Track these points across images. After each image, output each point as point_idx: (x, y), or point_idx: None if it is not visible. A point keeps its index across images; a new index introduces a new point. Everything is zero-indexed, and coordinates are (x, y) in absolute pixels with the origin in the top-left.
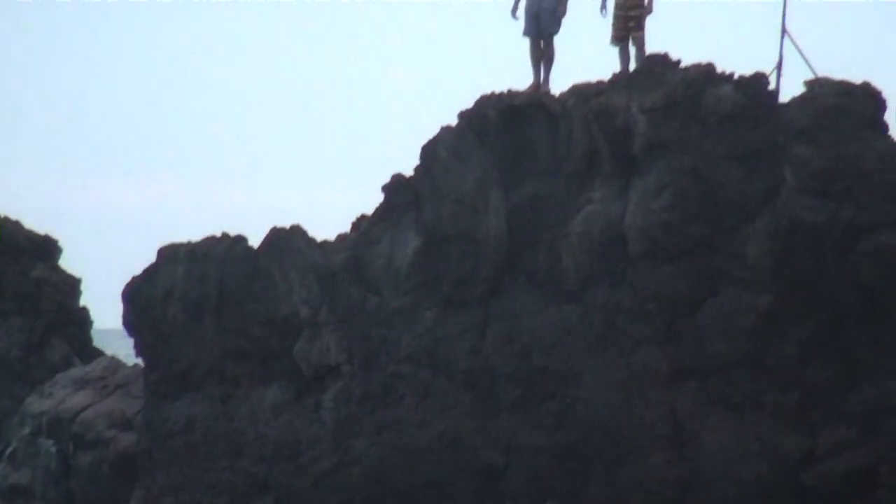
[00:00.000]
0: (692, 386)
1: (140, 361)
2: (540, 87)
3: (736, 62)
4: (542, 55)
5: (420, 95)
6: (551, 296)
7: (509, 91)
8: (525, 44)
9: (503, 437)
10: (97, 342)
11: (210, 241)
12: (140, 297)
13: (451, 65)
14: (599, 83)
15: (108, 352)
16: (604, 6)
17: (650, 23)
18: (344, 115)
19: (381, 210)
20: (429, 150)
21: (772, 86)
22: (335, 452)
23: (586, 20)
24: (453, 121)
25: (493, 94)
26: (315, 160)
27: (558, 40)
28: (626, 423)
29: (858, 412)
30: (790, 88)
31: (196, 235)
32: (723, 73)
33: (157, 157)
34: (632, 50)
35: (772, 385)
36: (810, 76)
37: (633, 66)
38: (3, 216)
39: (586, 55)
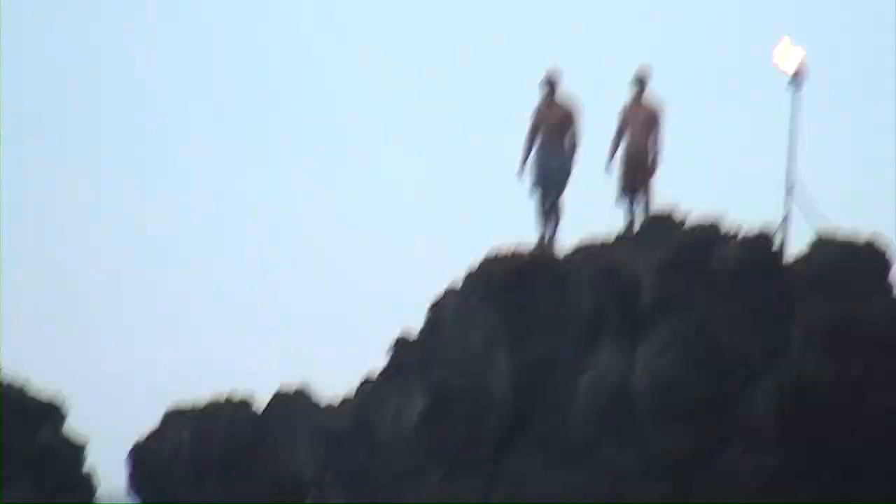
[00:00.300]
0: None
1: None
2: (546, 243)
3: (744, 214)
4: (550, 212)
5: (428, 250)
6: (558, 458)
7: (515, 250)
8: (532, 201)
9: None
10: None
11: (215, 404)
12: (145, 459)
13: (458, 220)
14: (605, 241)
15: None
16: (610, 162)
17: (657, 179)
18: (349, 271)
19: (386, 370)
20: (435, 311)
21: (778, 240)
22: None
23: (593, 176)
24: (460, 275)
25: (498, 255)
26: (321, 317)
27: (566, 196)
28: None
29: None
30: (797, 244)
31: (203, 393)
32: (729, 229)
33: (162, 315)
34: (638, 207)
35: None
36: (817, 231)
37: (639, 223)
38: (8, 378)
39: (593, 211)
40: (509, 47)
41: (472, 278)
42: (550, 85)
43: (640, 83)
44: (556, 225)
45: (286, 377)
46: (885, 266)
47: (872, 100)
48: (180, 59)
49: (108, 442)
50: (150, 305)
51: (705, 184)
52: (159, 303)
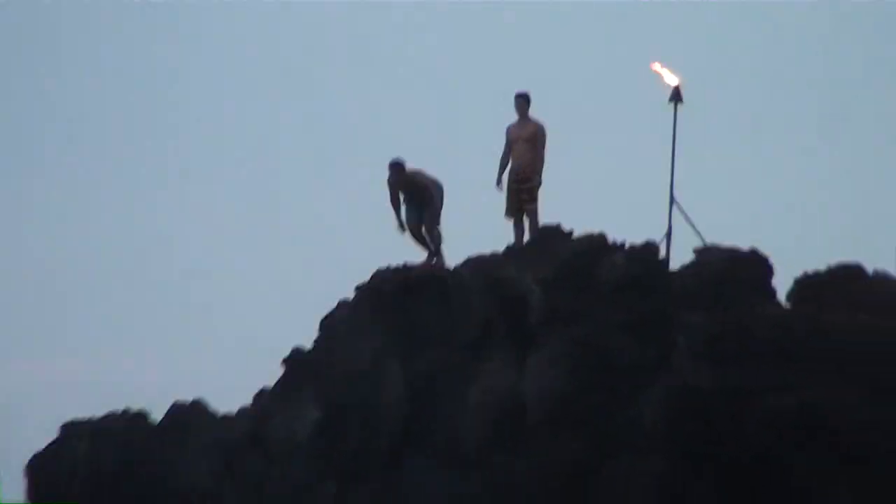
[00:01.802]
0: None
1: None
2: (434, 260)
3: (627, 230)
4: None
5: (317, 267)
6: (452, 465)
7: (405, 265)
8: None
9: None
10: None
11: (111, 418)
12: (43, 472)
13: (347, 236)
14: (494, 255)
15: None
16: (499, 181)
17: (542, 195)
18: (242, 288)
19: (281, 383)
20: (326, 324)
21: (662, 254)
22: None
23: (481, 194)
24: (350, 293)
25: (388, 268)
26: (215, 332)
27: (452, 215)
28: None
29: None
30: (680, 255)
31: (99, 409)
32: (614, 242)
33: (58, 333)
34: (525, 222)
35: None
36: (699, 243)
37: (527, 237)
38: None
39: (481, 228)
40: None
41: (363, 292)
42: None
43: (523, 104)
44: (439, 243)
45: (181, 393)
46: (766, 275)
47: (746, 121)
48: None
49: (5, 456)
50: (41, 320)
51: (590, 200)
52: (50, 318)
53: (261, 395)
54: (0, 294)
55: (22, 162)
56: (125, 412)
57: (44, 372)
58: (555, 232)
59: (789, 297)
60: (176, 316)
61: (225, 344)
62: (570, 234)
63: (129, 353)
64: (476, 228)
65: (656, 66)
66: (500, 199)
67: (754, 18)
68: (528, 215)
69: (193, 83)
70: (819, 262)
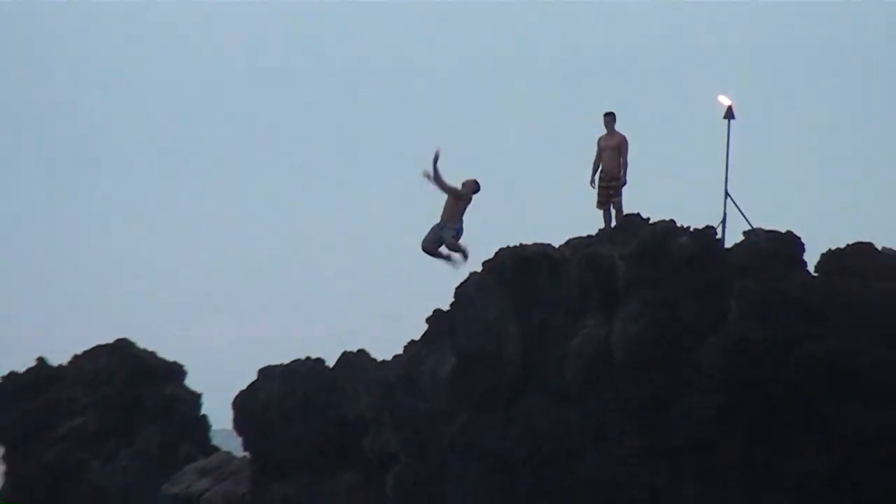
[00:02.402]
0: (664, 464)
1: (247, 454)
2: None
3: (692, 218)
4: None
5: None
6: (557, 400)
7: (520, 244)
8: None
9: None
10: (214, 441)
11: (297, 364)
12: (246, 406)
13: (474, 221)
14: (589, 237)
15: (223, 448)
16: (592, 180)
17: (625, 191)
18: (393, 264)
19: (425, 336)
20: (461, 291)
21: (718, 235)
22: None
23: (581, 191)
24: (479, 267)
25: (507, 247)
26: (374, 297)
27: (560, 201)
28: (623, 492)
29: (791, 481)
30: (733, 237)
31: (287, 358)
32: (681, 227)
33: (257, 301)
34: (612, 212)
35: (724, 461)
36: (747, 227)
37: (613, 223)
38: (143, 348)
39: (579, 218)
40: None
41: (488, 266)
42: (611, 121)
43: (610, 121)
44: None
45: (350, 345)
46: (799, 251)
47: (789, 133)
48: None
49: (218, 394)
50: (244, 291)
51: (663, 194)
52: (250, 288)
53: (410, 345)
54: (211, 270)
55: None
56: (307, 359)
57: (247, 330)
58: (635, 219)
59: (817, 268)
60: (347, 284)
61: (382, 306)
62: (648, 220)
63: (310, 315)
64: (575, 218)
65: (721, 98)
66: (593, 195)
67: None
68: (614, 206)
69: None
70: (840, 241)
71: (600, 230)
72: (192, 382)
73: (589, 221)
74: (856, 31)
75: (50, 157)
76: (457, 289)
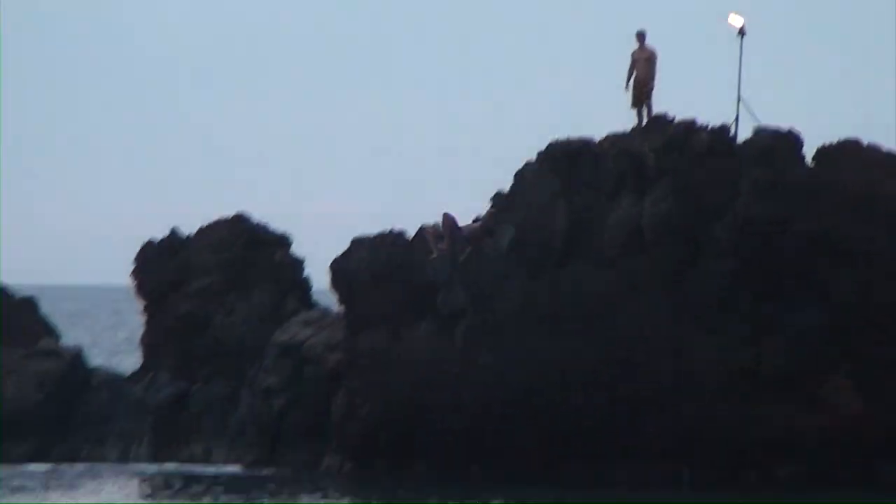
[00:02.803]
0: (686, 317)
1: (341, 309)
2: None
3: (711, 117)
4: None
5: (514, 139)
6: (598, 265)
7: (568, 138)
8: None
9: (569, 351)
10: (315, 298)
11: (382, 235)
12: (342, 268)
13: (529, 117)
14: (624, 132)
15: (322, 304)
16: (627, 84)
17: (654, 95)
18: (468, 152)
19: (489, 213)
20: (518, 176)
21: (732, 132)
22: (463, 364)
23: (618, 94)
24: (534, 157)
25: (558, 140)
26: (448, 181)
27: (601, 103)
28: (652, 342)
29: (789, 330)
30: (744, 133)
31: (375, 230)
32: (702, 124)
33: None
34: (644, 111)
35: (736, 316)
36: (756, 125)
37: (645, 121)
38: (256, 222)
39: (617, 116)
40: None
41: (542, 155)
42: (642, 37)
43: (642, 37)
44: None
45: (427, 219)
46: (799, 145)
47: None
48: None
49: (317, 260)
50: (341, 174)
51: (686, 97)
52: (347, 173)
53: (475, 222)
54: (315, 154)
55: None
56: (391, 231)
57: (342, 208)
58: (663, 118)
59: (813, 159)
60: (428, 170)
61: (454, 188)
62: (673, 119)
63: (395, 194)
64: (614, 117)
65: (732, 17)
66: (628, 97)
67: None
68: (645, 107)
69: None
70: (832, 137)
71: (633, 127)
72: (297, 250)
73: (625, 120)
74: None
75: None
76: (515, 174)
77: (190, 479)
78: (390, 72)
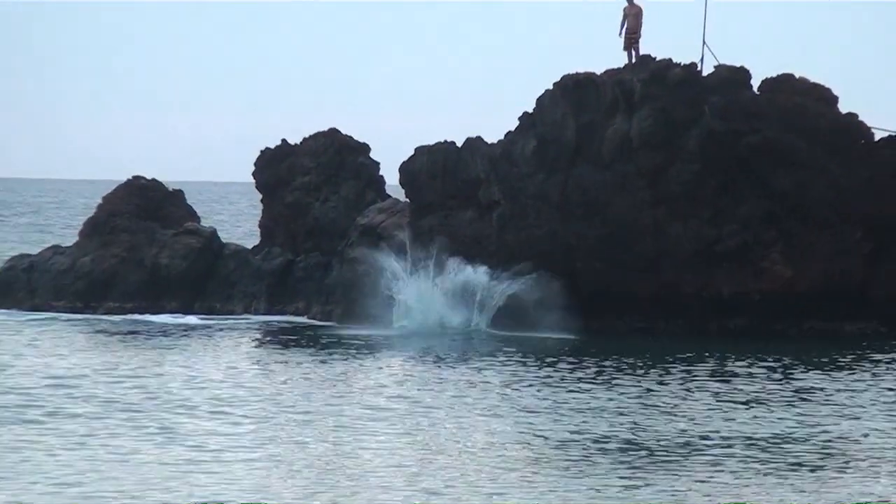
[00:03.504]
0: (663, 206)
1: (408, 200)
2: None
3: (682, 57)
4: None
5: (538, 70)
6: (599, 168)
7: (575, 72)
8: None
9: (576, 230)
10: (388, 191)
11: (438, 144)
12: (407, 169)
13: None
14: (618, 68)
15: (393, 195)
16: (620, 32)
17: (641, 41)
18: (501, 83)
19: (517, 128)
20: (539, 100)
21: (699, 67)
22: (497, 241)
23: (613, 40)
24: (550, 86)
25: (567, 74)
26: (487, 105)
27: (598, 47)
28: (637, 224)
29: (741, 217)
30: (707, 69)
31: (433, 141)
32: (675, 62)
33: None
34: (633, 53)
35: (699, 207)
36: (716, 63)
37: (634, 60)
38: (345, 134)
39: (612, 56)
40: None
41: (557, 84)
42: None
43: None
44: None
45: (473, 133)
46: (748, 78)
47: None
48: None
49: (390, 162)
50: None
51: (666, 42)
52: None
53: (508, 134)
54: (391, 78)
55: None
56: (445, 141)
57: (406, 123)
58: (648, 59)
59: (759, 88)
60: (473, 95)
61: (492, 110)
62: (655, 59)
63: (449, 113)
64: (611, 56)
65: None
66: (621, 42)
67: None
68: (634, 50)
69: None
70: (774, 72)
71: (626, 64)
72: (374, 155)
73: (619, 59)
74: None
75: None
76: (537, 99)
77: (294, 330)
78: (441, 27)
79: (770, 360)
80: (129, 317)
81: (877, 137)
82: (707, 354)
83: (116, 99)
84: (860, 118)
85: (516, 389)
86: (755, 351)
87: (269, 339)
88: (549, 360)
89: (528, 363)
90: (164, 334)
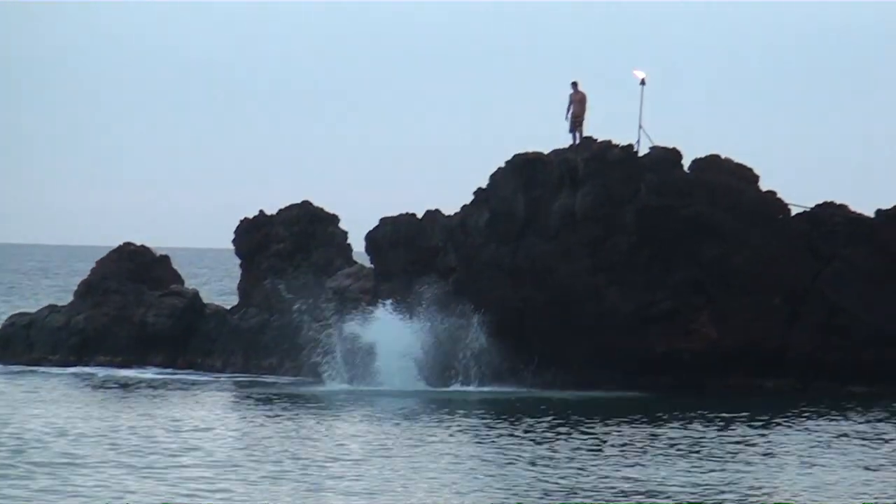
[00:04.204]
0: (602, 274)
1: (372, 266)
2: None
3: (622, 139)
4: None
5: (489, 152)
6: (546, 237)
7: (525, 151)
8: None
9: (524, 295)
10: (355, 258)
11: (401, 216)
12: (373, 238)
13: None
14: (564, 148)
15: (359, 262)
16: (566, 116)
17: (585, 124)
18: (459, 161)
19: (473, 202)
20: (492, 177)
21: (636, 149)
22: (456, 303)
23: (560, 122)
24: (502, 164)
25: (518, 154)
26: (445, 181)
27: (549, 128)
28: (579, 290)
29: (672, 281)
30: (643, 150)
31: (395, 213)
32: (616, 144)
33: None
34: (578, 136)
35: (635, 274)
36: (651, 144)
37: (578, 142)
38: (316, 206)
39: (558, 139)
40: None
41: (508, 163)
42: (577, 84)
43: (575, 85)
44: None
45: (428, 206)
46: (679, 158)
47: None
48: None
49: (357, 231)
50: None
51: (607, 127)
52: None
53: (463, 208)
54: (361, 162)
55: None
56: (406, 213)
57: (375, 197)
58: (590, 140)
59: (689, 168)
60: (432, 173)
61: (450, 186)
62: (596, 140)
63: (410, 189)
64: (557, 138)
65: (636, 72)
66: (567, 125)
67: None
68: (578, 132)
69: None
70: (703, 153)
71: (571, 145)
72: (343, 224)
73: (565, 139)
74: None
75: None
76: (491, 175)
77: (264, 386)
78: (406, 112)
79: (694, 413)
80: (116, 371)
81: (793, 212)
82: (643, 407)
83: (109, 173)
84: (778, 195)
85: (473, 444)
86: (683, 407)
87: (237, 396)
88: (496, 415)
89: (477, 419)
90: (147, 387)
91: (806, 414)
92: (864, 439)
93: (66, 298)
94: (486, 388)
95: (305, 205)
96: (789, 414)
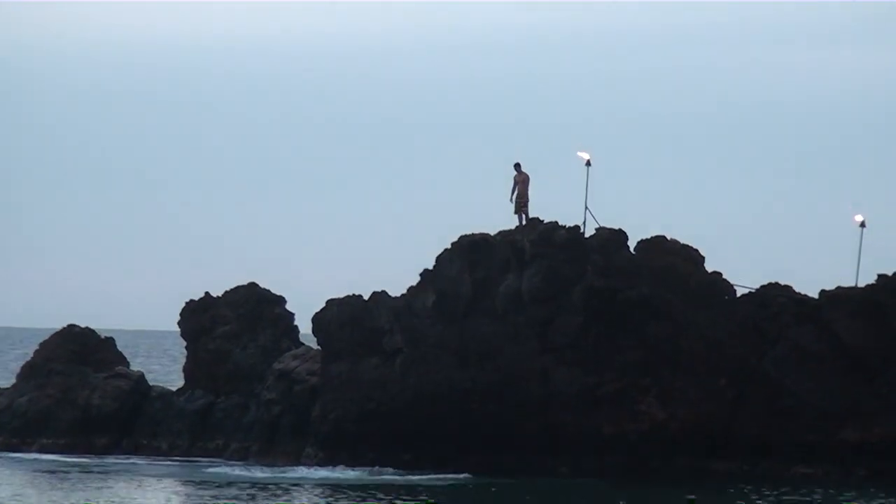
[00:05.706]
0: (550, 356)
1: (319, 348)
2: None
3: (567, 220)
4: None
5: (435, 234)
6: (493, 318)
7: (471, 233)
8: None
9: (471, 375)
10: (301, 339)
11: (347, 297)
12: (319, 319)
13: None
14: (510, 230)
15: (306, 343)
16: (511, 197)
17: (529, 205)
18: (405, 243)
19: (419, 283)
20: (439, 258)
21: (582, 230)
22: (400, 385)
23: (505, 205)
24: (448, 245)
25: (464, 235)
26: (390, 262)
27: (494, 209)
28: (526, 370)
29: (620, 361)
30: (589, 231)
31: (343, 293)
32: (562, 225)
33: (327, 260)
34: (523, 217)
35: (582, 352)
36: (597, 225)
37: (523, 223)
38: (263, 287)
39: (503, 221)
40: None
41: (454, 244)
42: (519, 166)
43: (518, 166)
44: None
45: (378, 287)
46: (625, 239)
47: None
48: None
49: (304, 312)
50: (319, 257)
51: (552, 208)
52: (323, 256)
53: (411, 288)
54: (303, 242)
55: None
56: (353, 294)
57: (320, 276)
58: (536, 221)
59: (635, 249)
60: (374, 255)
61: (396, 266)
62: (542, 221)
63: (357, 270)
64: (502, 220)
65: (581, 153)
66: (511, 207)
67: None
68: (524, 214)
69: None
70: (649, 233)
71: (517, 226)
72: (289, 306)
73: (510, 221)
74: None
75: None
76: (437, 257)
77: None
78: (351, 195)
79: (639, 500)
80: (59, 456)
81: (738, 293)
82: (589, 493)
83: (54, 253)
84: (724, 276)
85: None
86: (629, 496)
87: (180, 482)
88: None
89: None
90: (89, 472)
91: (755, 496)
92: None
93: (9, 380)
94: (425, 476)
95: (251, 286)
96: (737, 496)
